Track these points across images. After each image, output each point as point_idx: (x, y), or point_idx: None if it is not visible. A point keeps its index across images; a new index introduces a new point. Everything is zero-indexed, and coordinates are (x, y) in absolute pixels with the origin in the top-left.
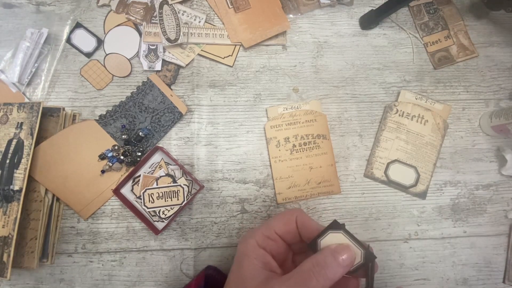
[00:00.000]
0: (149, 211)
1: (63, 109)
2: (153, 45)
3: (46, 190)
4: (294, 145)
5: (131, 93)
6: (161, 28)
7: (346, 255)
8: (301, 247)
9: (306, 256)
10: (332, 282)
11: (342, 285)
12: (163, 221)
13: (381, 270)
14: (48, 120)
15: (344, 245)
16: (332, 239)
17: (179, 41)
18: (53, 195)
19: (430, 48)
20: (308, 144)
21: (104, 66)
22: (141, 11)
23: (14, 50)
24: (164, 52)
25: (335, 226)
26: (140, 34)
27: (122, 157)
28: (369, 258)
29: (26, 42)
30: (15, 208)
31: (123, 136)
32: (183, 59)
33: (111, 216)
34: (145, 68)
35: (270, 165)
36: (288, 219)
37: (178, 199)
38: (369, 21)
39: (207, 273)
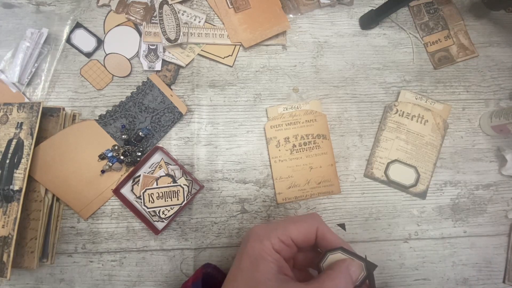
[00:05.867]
0: (149, 211)
1: (63, 109)
2: (153, 45)
3: (46, 190)
4: (294, 145)
5: (131, 93)
6: (161, 28)
7: (355, 271)
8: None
9: (302, 255)
10: None
11: None
12: (163, 221)
13: (381, 270)
14: (48, 120)
15: (354, 262)
16: (333, 259)
17: (179, 41)
18: (53, 195)
19: (430, 48)
20: (308, 144)
21: (104, 66)
22: (141, 11)
23: (14, 50)
24: (164, 52)
25: (333, 249)
26: (140, 34)
27: (122, 157)
28: (371, 268)
29: (26, 42)
30: (15, 208)
31: (123, 136)
32: (183, 59)
33: (111, 216)
34: (145, 68)
35: (270, 165)
36: (308, 230)
37: (178, 199)
38: (369, 21)
39: (206, 272)
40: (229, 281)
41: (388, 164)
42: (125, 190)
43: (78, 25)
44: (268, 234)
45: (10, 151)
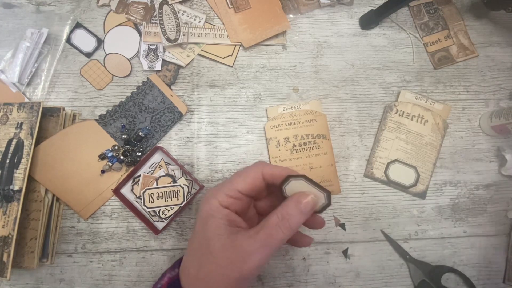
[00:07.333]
0: (149, 211)
1: (63, 109)
2: (153, 45)
3: (46, 190)
4: (294, 145)
5: (131, 93)
6: (161, 28)
7: (307, 203)
8: (262, 194)
9: (267, 202)
10: (296, 230)
11: (298, 240)
12: (163, 221)
13: (381, 270)
14: (48, 120)
15: (306, 194)
16: (295, 185)
17: (179, 41)
18: (53, 195)
19: (430, 48)
20: (308, 144)
21: (104, 66)
22: (141, 11)
23: (14, 50)
24: (164, 52)
25: (295, 176)
26: (140, 34)
27: (122, 157)
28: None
29: (26, 42)
30: (15, 208)
31: (123, 136)
32: (183, 59)
33: (111, 216)
34: (145, 68)
35: None
36: (253, 178)
37: (178, 199)
38: (369, 21)
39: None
40: (188, 245)
41: (388, 164)
42: (125, 190)
43: (78, 25)
44: (214, 194)
45: (10, 151)
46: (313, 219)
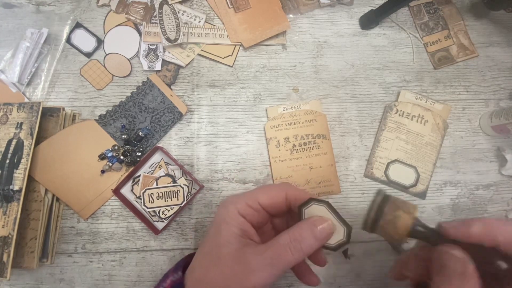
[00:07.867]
0: (149, 211)
1: (63, 109)
2: (153, 45)
3: (46, 190)
4: (294, 145)
5: (131, 93)
6: (161, 28)
7: (323, 228)
8: (281, 213)
9: (283, 220)
10: (307, 255)
11: (305, 275)
12: (163, 221)
13: (381, 270)
14: (48, 120)
15: (323, 219)
16: (315, 210)
17: (179, 41)
18: (53, 195)
19: (430, 48)
20: (308, 144)
21: (104, 66)
22: (141, 11)
23: (14, 50)
24: (164, 52)
25: (317, 200)
26: (140, 34)
27: (122, 157)
28: (350, 237)
29: (26, 42)
30: (15, 208)
31: (123, 136)
32: (183, 59)
33: (111, 216)
34: (145, 68)
35: (270, 165)
36: (276, 194)
37: (178, 199)
38: (369, 21)
39: (187, 261)
40: (199, 247)
41: (388, 164)
42: (125, 190)
43: (78, 25)
44: (234, 200)
45: (10, 151)
46: (318, 254)
